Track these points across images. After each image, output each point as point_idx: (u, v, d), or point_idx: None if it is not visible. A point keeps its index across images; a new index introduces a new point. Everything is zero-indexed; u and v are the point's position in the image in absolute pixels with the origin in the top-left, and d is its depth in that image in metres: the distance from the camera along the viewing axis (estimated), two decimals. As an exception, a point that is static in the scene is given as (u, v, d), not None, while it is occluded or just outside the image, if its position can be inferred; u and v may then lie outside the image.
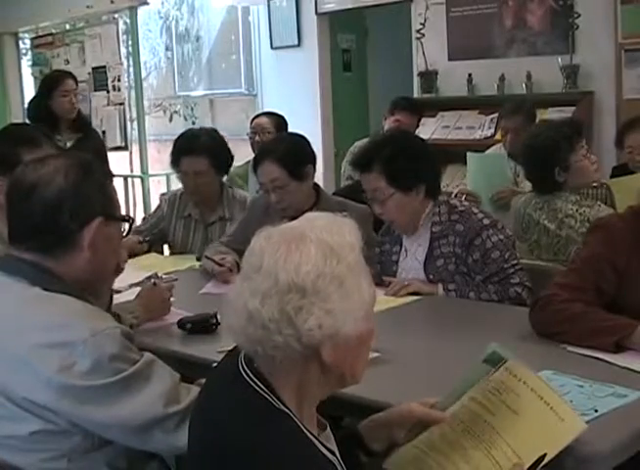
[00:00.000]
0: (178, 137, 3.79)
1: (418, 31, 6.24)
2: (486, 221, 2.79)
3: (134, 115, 7.15)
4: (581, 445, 1.57)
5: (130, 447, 1.67)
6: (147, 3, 7.25)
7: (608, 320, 2.12)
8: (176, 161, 3.65)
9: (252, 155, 4.83)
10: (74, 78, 5.05)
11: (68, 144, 4.77)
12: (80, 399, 1.57)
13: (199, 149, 3.62)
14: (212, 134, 3.80)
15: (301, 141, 3.32)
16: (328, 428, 1.50)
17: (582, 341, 2.09)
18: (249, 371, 1.37)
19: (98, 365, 1.56)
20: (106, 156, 4.98)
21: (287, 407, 1.35)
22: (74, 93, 4.91)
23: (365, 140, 4.30)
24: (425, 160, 2.83)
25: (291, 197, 3.16)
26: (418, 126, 5.14)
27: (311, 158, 3.28)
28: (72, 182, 1.68)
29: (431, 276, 2.83)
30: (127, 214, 1.82)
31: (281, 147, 3.21)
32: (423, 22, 6.20)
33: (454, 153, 5.65)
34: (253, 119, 4.93)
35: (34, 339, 1.57)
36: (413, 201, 2.80)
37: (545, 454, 1.40)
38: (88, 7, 7.33)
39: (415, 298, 2.74)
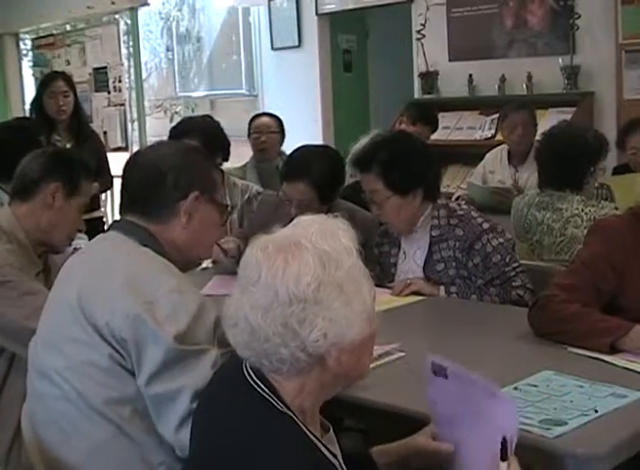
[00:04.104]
0: (172, 127, 3.92)
1: (418, 32, 6.25)
2: (486, 225, 2.78)
3: (135, 115, 7.15)
4: (581, 445, 1.57)
5: None
6: (147, 4, 7.25)
7: (603, 321, 2.12)
8: None
9: (250, 156, 4.87)
10: (67, 80, 4.94)
11: (68, 146, 4.76)
12: (144, 337, 1.63)
13: (192, 131, 3.68)
14: (205, 118, 3.95)
15: (339, 163, 3.20)
16: (331, 430, 1.50)
17: (578, 342, 2.09)
18: (252, 373, 1.37)
19: (175, 314, 1.64)
20: (106, 158, 4.96)
21: (290, 410, 1.35)
22: (64, 94, 4.82)
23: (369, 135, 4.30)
24: (424, 163, 2.82)
25: (312, 213, 3.06)
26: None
27: (343, 179, 3.21)
28: (179, 158, 1.88)
29: (431, 280, 2.82)
30: (225, 203, 1.98)
31: (318, 168, 3.06)
32: (423, 22, 6.20)
33: (455, 154, 5.67)
34: (253, 120, 4.94)
35: (135, 277, 1.70)
36: (410, 204, 2.79)
37: (505, 437, 1.39)
38: (89, 8, 7.33)
39: (418, 298, 2.74)
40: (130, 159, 1.95)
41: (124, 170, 1.93)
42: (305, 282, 1.29)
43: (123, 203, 1.90)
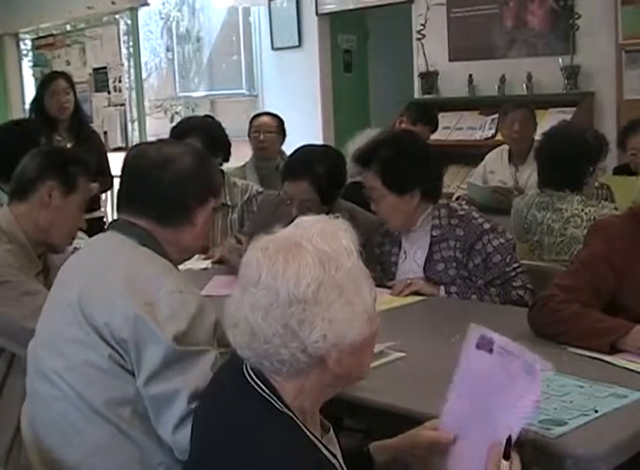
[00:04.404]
0: (173, 127, 3.93)
1: (418, 32, 6.25)
2: (487, 225, 2.78)
3: (135, 115, 7.15)
4: (581, 445, 1.57)
5: None
6: (147, 4, 7.24)
7: (603, 322, 2.12)
8: None
9: (250, 155, 4.88)
10: (67, 79, 4.98)
11: (69, 146, 4.76)
12: (144, 338, 1.63)
13: (192, 131, 3.68)
14: (206, 118, 3.95)
15: (340, 163, 3.19)
16: (331, 430, 1.50)
17: (578, 342, 2.09)
18: (252, 373, 1.37)
19: (175, 315, 1.64)
20: (106, 158, 4.97)
21: (289, 410, 1.35)
22: (65, 92, 4.84)
23: (365, 133, 4.33)
24: (424, 164, 2.81)
25: (313, 213, 3.03)
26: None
27: (345, 180, 3.21)
28: (198, 164, 1.87)
29: (431, 280, 2.82)
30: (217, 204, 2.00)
31: (319, 168, 3.05)
32: (423, 22, 6.20)
33: (455, 154, 5.67)
34: (254, 119, 4.95)
35: (135, 278, 1.70)
36: (407, 204, 2.79)
37: (510, 436, 1.40)
38: (89, 8, 7.32)
39: (418, 298, 2.74)
40: (133, 157, 1.92)
41: (126, 169, 1.91)
42: (305, 283, 1.29)
43: (122, 202, 1.88)
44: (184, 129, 3.75)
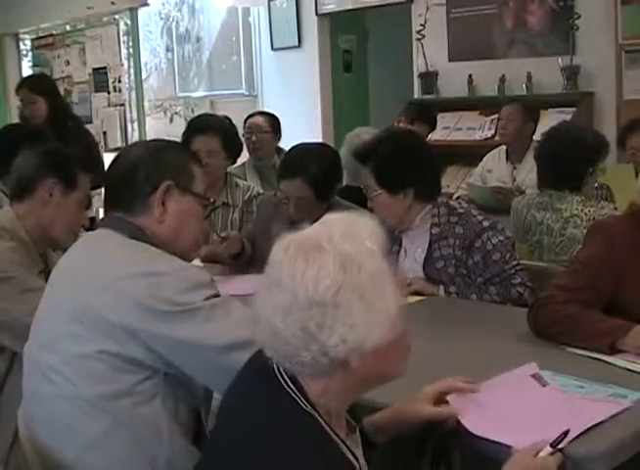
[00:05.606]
0: (192, 119, 3.93)
1: (418, 32, 6.25)
2: (486, 223, 2.79)
3: (135, 116, 7.15)
4: (581, 445, 1.57)
5: (193, 401, 1.72)
6: (147, 4, 7.25)
7: (603, 322, 2.12)
8: (188, 140, 3.65)
9: (248, 155, 4.89)
10: (33, 87, 4.91)
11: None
12: (164, 320, 1.64)
13: (213, 128, 3.70)
14: (224, 119, 3.95)
15: (335, 160, 3.22)
16: (357, 431, 1.49)
17: (578, 342, 2.10)
18: (282, 370, 1.36)
19: (184, 291, 1.66)
20: (95, 155, 4.91)
21: (315, 409, 1.34)
22: (30, 102, 4.80)
23: (365, 129, 4.36)
24: (419, 165, 2.81)
25: (309, 212, 3.03)
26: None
27: (340, 177, 3.23)
28: (150, 151, 1.89)
29: (431, 278, 2.82)
30: (204, 194, 1.95)
31: (314, 166, 3.08)
32: (423, 22, 6.20)
33: (454, 154, 5.67)
34: (247, 119, 4.95)
35: (130, 270, 1.70)
36: (400, 203, 2.79)
37: (569, 430, 1.42)
38: (89, 8, 7.33)
39: (417, 298, 2.73)
40: (113, 159, 1.99)
41: (107, 169, 1.97)
42: (325, 286, 1.26)
43: (106, 201, 1.92)
44: (205, 125, 3.76)
